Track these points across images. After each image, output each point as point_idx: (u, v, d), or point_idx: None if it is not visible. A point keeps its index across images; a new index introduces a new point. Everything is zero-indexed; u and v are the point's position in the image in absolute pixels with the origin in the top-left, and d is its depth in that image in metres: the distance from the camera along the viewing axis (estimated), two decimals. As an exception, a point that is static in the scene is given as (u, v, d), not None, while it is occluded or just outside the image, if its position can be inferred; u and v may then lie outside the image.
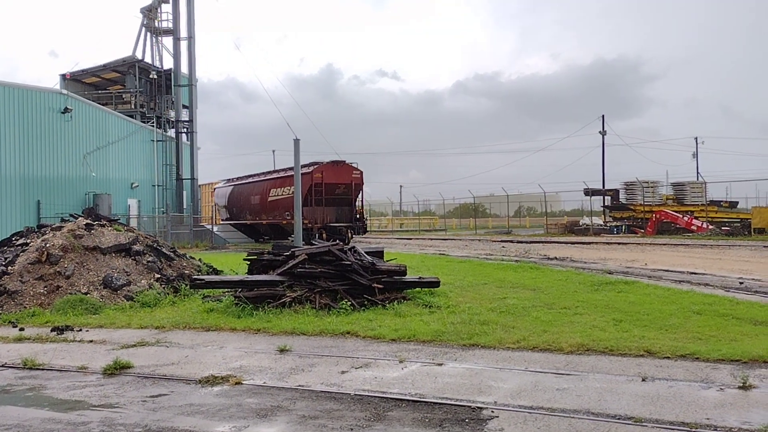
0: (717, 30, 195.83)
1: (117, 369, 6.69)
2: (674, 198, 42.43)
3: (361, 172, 32.06)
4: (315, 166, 30.13)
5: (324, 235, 28.60)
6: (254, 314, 9.33)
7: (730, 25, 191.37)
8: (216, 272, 13.58)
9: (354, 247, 11.25)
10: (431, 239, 36.73)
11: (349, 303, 9.63)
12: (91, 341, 8.32)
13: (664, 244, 26.50)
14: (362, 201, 37.68)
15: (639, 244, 27.25)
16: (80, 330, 9.07)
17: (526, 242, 30.76)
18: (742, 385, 5.58)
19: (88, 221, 13.34)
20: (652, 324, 8.23)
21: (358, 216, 36.24)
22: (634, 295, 10.66)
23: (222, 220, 38.81)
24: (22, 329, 9.24)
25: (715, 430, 4.57)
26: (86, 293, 11.07)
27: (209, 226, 35.41)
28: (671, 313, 8.94)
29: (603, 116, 53.37)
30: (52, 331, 8.98)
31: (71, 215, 14.89)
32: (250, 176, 36.79)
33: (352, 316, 9.16)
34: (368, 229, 39.21)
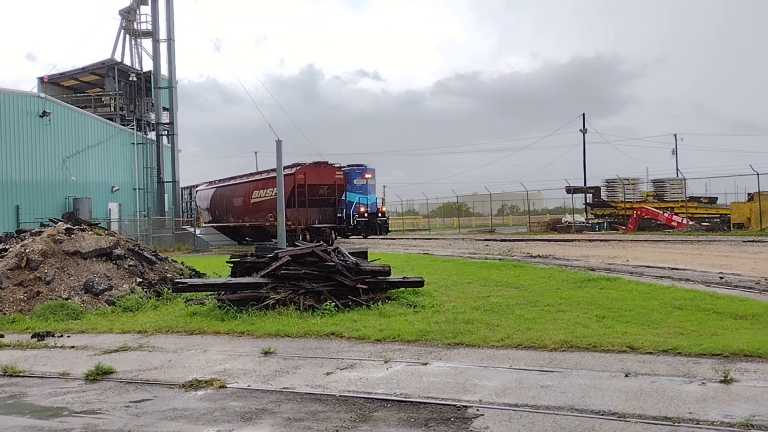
0: (688, 28, 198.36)
1: (99, 374, 6.61)
2: (655, 195, 42.84)
3: (345, 173, 32.08)
4: (298, 168, 30.06)
5: (308, 237, 28.54)
6: (238, 317, 9.28)
7: (701, 24, 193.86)
8: (199, 275, 13.49)
9: (338, 247, 11.24)
10: (415, 239, 36.79)
11: (333, 304, 9.61)
12: (73, 347, 8.23)
13: (645, 241, 26.74)
14: (382, 204, 38.83)
15: (621, 240, 27.47)
16: (61, 336, 8.97)
17: (510, 240, 30.88)
18: (723, 379, 5.63)
19: (69, 226, 13.19)
20: (635, 320, 8.29)
21: (380, 214, 37.24)
22: (617, 292, 10.73)
23: (204, 222, 38.57)
24: (1, 336, 9.12)
25: (698, 424, 4.61)
26: (67, 298, 10.94)
27: (191, 229, 35.18)
28: (653, 308, 9.01)
29: (583, 114, 53.80)
30: (32, 337, 8.86)
31: (51, 220, 14.72)
32: (232, 178, 36.62)
33: (336, 317, 9.14)
34: (389, 228, 39.96)
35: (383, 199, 40.97)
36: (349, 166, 38.12)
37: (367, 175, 37.84)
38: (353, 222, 35.81)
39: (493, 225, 53.00)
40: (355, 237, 36.49)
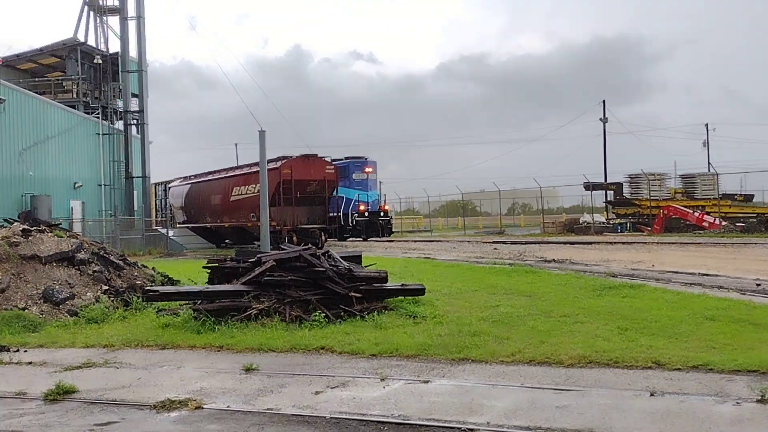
0: (721, 8, 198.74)
1: (60, 394, 6.60)
2: (683, 191, 42.94)
3: (337, 168, 32.11)
4: (283, 161, 30.08)
5: (294, 239, 28.53)
6: (216, 329, 9.28)
7: (735, 3, 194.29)
8: (172, 282, 13.48)
9: (328, 251, 11.25)
10: (415, 241, 36.87)
11: (323, 314, 9.62)
12: (30, 363, 8.22)
13: (673, 243, 26.82)
14: (384, 202, 39.05)
15: (645, 243, 27.55)
16: (17, 350, 8.95)
17: (521, 243, 30.94)
18: (760, 398, 5.65)
19: (25, 227, 13.16)
20: (661, 332, 8.32)
21: (382, 213, 37.47)
22: (641, 301, 10.77)
23: (178, 223, 38.54)
24: (-51, 351, 9.09)
25: (732, 448, 4.62)
26: (24, 308, 10.92)
27: (164, 231, 35.15)
28: (682, 319, 9.04)
29: (604, 102, 53.90)
30: (-16, 352, 8.84)
31: (5, 220, 14.71)
32: (209, 173, 36.61)
33: (326, 329, 9.15)
34: (393, 230, 39.99)
35: (385, 197, 40.88)
36: (346, 158, 38.06)
37: (367, 169, 37.73)
38: (351, 222, 35.77)
39: (502, 226, 53.11)
40: (354, 239, 36.49)
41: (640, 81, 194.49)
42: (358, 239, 36.50)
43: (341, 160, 38.43)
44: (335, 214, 34.01)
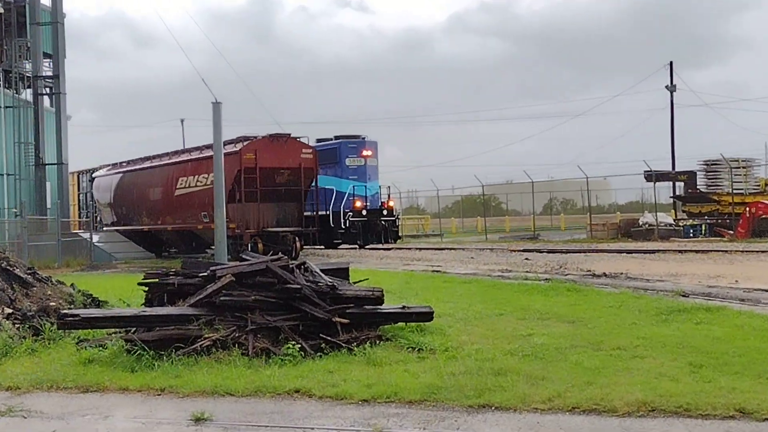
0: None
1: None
2: (777, 183, 43.03)
3: (314, 151, 32.07)
4: (245, 143, 30.08)
5: (260, 246, 28.50)
6: (156, 366, 9.26)
7: None
8: (97, 304, 13.45)
9: (305, 263, 11.23)
10: (420, 249, 36.84)
11: (297, 346, 9.61)
12: None
13: (763, 252, 26.79)
14: (388, 197, 39.02)
15: (726, 251, 27.54)
16: None
17: (561, 251, 30.92)
18: None
19: None
20: (747, 370, 8.32)
21: (385, 212, 37.47)
22: (720, 328, 10.76)
23: (106, 225, 38.51)
24: None
25: None
26: None
27: (87, 235, 35.08)
28: (775, 353, 9.05)
29: (671, 64, 53.97)
30: None
31: None
32: (147, 159, 36.60)
33: (302, 365, 9.13)
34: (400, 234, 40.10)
35: (389, 189, 40.70)
36: (336, 138, 38.22)
37: (365, 152, 37.77)
38: (344, 224, 35.78)
39: (536, 228, 53.20)
40: (347, 247, 36.44)
41: (719, 36, 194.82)
42: (352, 246, 36.49)
43: (329, 140, 38.46)
44: (325, 212, 33.98)
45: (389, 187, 40.63)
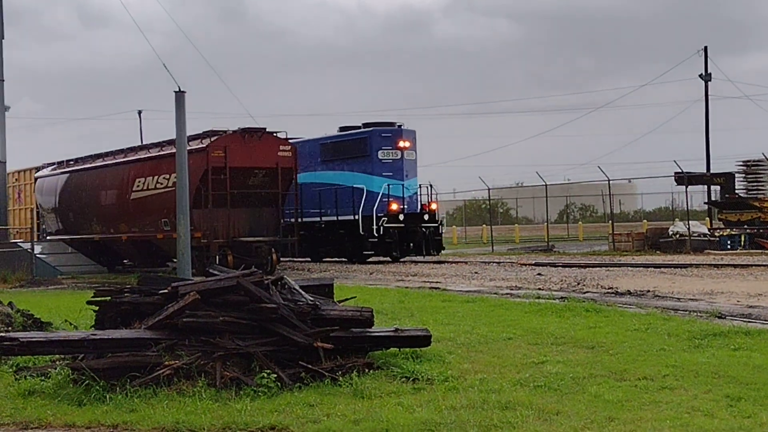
0: None
1: None
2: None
3: (293, 148, 32.04)
4: (214, 139, 30.05)
5: (230, 259, 28.47)
6: (108, 398, 9.22)
7: None
8: (40, 326, 13.41)
9: (282, 278, 11.21)
10: (416, 262, 36.85)
11: (273, 376, 9.59)
12: None
13: (812, 267, 26.88)
14: (430, 196, 37.84)
15: (769, 266, 27.63)
16: None
17: (579, 266, 30.97)
18: None
19: None
20: (793, 404, 8.34)
21: (426, 216, 36.20)
22: (762, 355, 10.78)
23: (50, 233, 38.38)
24: None
25: None
26: None
27: (27, 245, 34.97)
28: (824, 384, 9.07)
29: (705, 50, 54.15)
30: None
31: None
32: (98, 157, 36.57)
33: (279, 398, 9.12)
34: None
35: (430, 188, 38.65)
36: (365, 126, 37.14)
37: (402, 143, 36.51)
38: (377, 231, 34.42)
39: (550, 238, 53.28)
40: (376, 260, 35.53)
41: (761, 17, 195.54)
42: (384, 259, 35.53)
43: (356, 128, 37.65)
44: (352, 217, 33.63)
45: (430, 185, 39.07)
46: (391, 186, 35.12)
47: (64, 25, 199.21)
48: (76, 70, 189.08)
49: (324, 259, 38.09)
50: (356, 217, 34.40)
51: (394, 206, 34.98)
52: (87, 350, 10.00)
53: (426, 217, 36.23)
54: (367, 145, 35.79)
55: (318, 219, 37.17)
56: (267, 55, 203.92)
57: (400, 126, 37.04)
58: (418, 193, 37.44)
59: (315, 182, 37.39)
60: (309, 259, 38.37)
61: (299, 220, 32.81)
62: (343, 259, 37.12)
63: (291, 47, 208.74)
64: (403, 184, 35.70)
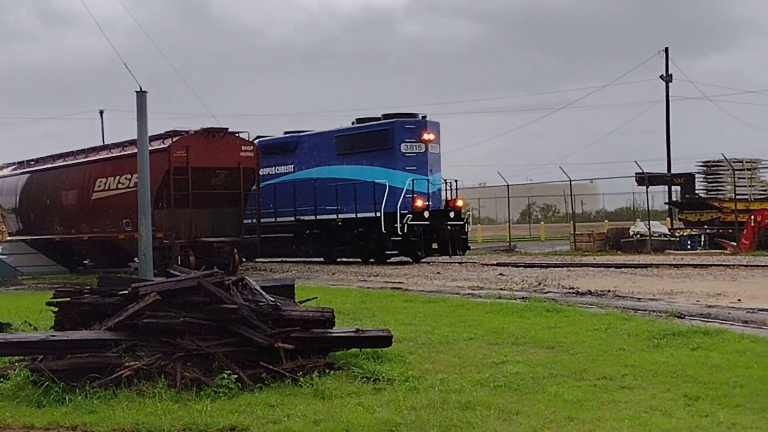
0: None
1: None
2: (787, 188, 43.54)
3: (256, 148, 31.99)
4: (176, 139, 29.92)
5: (192, 259, 28.37)
6: (67, 400, 9.18)
7: None
8: (-1, 327, 13.32)
9: (243, 279, 11.20)
10: (377, 264, 36.75)
11: (234, 376, 9.57)
12: None
13: (770, 267, 27.14)
14: (455, 193, 36.28)
15: (729, 266, 27.84)
16: None
17: (541, 266, 31.07)
18: None
19: None
20: (749, 402, 8.41)
21: (452, 214, 34.67)
22: (720, 354, 10.86)
23: (10, 233, 38.06)
24: None
25: None
26: None
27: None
28: (781, 383, 9.17)
29: (666, 51, 54.47)
30: None
31: None
32: (60, 157, 36.31)
33: (240, 399, 9.11)
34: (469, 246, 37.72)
35: (456, 184, 37.10)
36: (385, 117, 35.46)
37: (426, 135, 34.44)
38: (401, 229, 32.68)
39: (512, 238, 53.45)
40: (397, 260, 34.60)
41: (722, 18, 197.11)
42: (405, 260, 34.37)
43: (376, 120, 36.10)
44: (374, 214, 32.64)
45: (456, 180, 37.30)
46: (415, 181, 33.53)
47: (25, 24, 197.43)
48: (37, 69, 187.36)
49: (339, 260, 36.30)
50: (378, 214, 32.81)
51: (419, 203, 33.24)
52: (46, 351, 9.95)
53: (452, 214, 34.78)
54: (388, 138, 34.01)
55: (334, 216, 35.37)
56: (230, 54, 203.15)
57: (424, 117, 35.40)
58: (442, 189, 35.83)
59: (330, 177, 35.78)
60: (322, 260, 36.51)
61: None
62: (358, 260, 35.58)
63: (254, 47, 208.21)
64: (428, 179, 34.07)
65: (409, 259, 34.56)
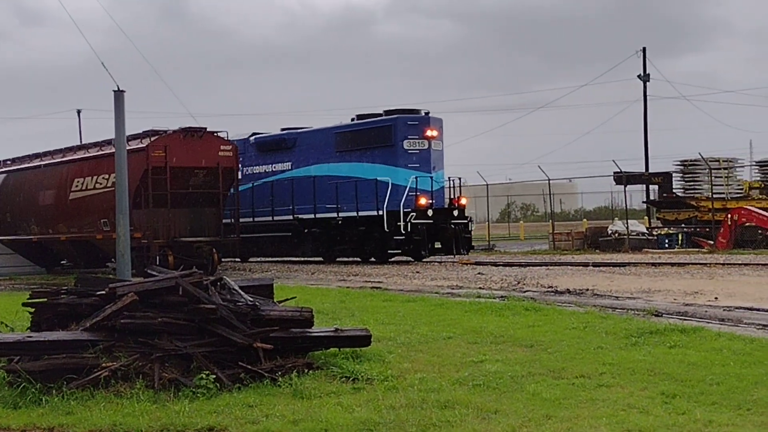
0: None
1: None
2: (762, 186, 43.73)
3: (234, 147, 31.89)
4: (154, 138, 29.80)
5: (170, 259, 28.28)
6: (44, 401, 9.13)
7: None
8: (-25, 328, 13.25)
9: (222, 279, 11.16)
10: (357, 263, 36.80)
11: (212, 377, 9.54)
12: None
13: (747, 264, 27.30)
14: (459, 191, 35.78)
15: (706, 264, 28.02)
16: None
17: (520, 264, 31.18)
18: None
19: None
20: (726, 400, 8.46)
21: (456, 212, 34.23)
22: (697, 352, 10.91)
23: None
24: None
25: None
26: None
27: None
28: (757, 380, 9.21)
29: (644, 51, 54.74)
30: None
31: None
32: (37, 157, 36.13)
33: (218, 399, 9.09)
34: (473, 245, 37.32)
35: (459, 181, 37.00)
36: (388, 113, 35.03)
37: (429, 131, 33.98)
38: (405, 227, 32.26)
39: (491, 238, 53.55)
40: (398, 259, 34.31)
41: (698, 18, 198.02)
42: (406, 259, 34.04)
43: (377, 116, 35.73)
44: (376, 212, 32.25)
45: (460, 178, 37.28)
46: (419, 179, 33.05)
47: (2, 23, 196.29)
48: (13, 69, 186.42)
49: (338, 259, 36.01)
50: (380, 212, 32.37)
51: (423, 201, 32.85)
52: (23, 352, 9.88)
53: (455, 213, 34.45)
54: (391, 134, 33.63)
55: (335, 215, 34.98)
56: (209, 53, 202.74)
57: (427, 113, 34.97)
58: (446, 187, 35.58)
59: (329, 175, 35.71)
60: (321, 260, 36.36)
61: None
62: (357, 259, 35.27)
63: (233, 47, 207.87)
64: (431, 177, 33.77)
65: (410, 258, 34.33)
